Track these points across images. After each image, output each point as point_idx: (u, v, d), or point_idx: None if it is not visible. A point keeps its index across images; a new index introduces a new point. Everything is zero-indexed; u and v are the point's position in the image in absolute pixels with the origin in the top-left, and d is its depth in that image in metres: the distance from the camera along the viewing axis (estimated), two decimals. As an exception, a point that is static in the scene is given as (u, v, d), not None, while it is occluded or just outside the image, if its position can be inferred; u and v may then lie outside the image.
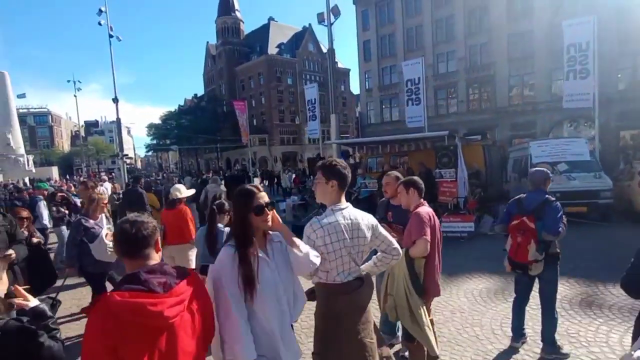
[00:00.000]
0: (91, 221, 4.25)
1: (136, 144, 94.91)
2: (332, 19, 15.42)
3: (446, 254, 3.51)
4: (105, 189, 12.71)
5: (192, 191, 5.11)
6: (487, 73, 29.78)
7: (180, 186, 5.01)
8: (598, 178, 8.95)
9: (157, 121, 58.57)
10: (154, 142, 58.02)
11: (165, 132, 54.39)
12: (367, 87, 37.22)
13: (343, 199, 2.19)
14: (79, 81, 36.08)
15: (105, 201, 4.68)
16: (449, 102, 31.95)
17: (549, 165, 9.84)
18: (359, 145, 11.27)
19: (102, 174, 28.72)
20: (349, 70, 58.91)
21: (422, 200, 3.05)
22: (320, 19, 15.64)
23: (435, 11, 31.80)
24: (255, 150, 48.43)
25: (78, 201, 9.76)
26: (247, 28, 59.72)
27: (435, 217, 2.99)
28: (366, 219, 2.21)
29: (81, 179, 24.32)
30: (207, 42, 62.32)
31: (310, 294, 2.24)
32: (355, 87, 58.61)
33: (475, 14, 30.07)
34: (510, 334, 3.66)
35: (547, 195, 3.10)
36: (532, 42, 27.10)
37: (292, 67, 53.45)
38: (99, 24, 19.88)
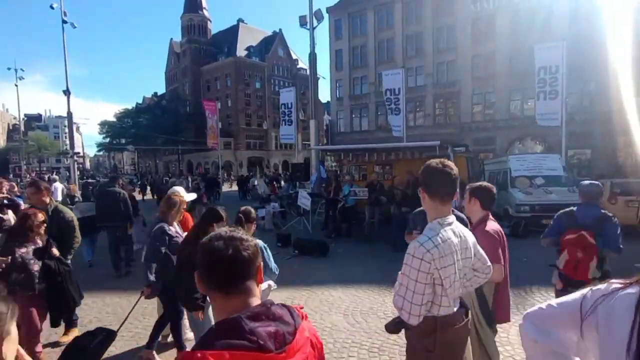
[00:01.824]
0: (173, 229, 3.56)
1: (85, 142, 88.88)
2: (315, 22, 15.27)
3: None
4: (55, 189, 11.41)
5: (194, 195, 4.55)
6: (452, 90, 31.02)
7: (180, 188, 4.42)
8: (572, 192, 9.33)
9: (111, 118, 55.34)
10: (107, 140, 54.62)
11: (120, 131, 51.36)
12: (337, 95, 37.46)
13: (450, 210, 1.87)
14: (21, 69, 32.95)
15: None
16: (417, 115, 32.85)
17: (527, 179, 10.27)
18: (344, 153, 11.08)
19: (52, 173, 26.32)
20: (318, 78, 59.09)
21: (487, 212, 2.80)
22: (303, 22, 15.43)
23: (406, 27, 32.76)
24: (220, 154, 47.02)
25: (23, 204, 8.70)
26: (214, 28, 58.46)
27: (503, 233, 2.74)
28: (470, 235, 1.94)
29: (29, 177, 22.07)
30: (171, 39, 60.10)
31: (397, 325, 1.90)
32: (323, 95, 58.89)
33: (442, 32, 31.27)
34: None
35: (603, 211, 3.02)
36: (494, 64, 28.61)
37: (260, 71, 52.81)
38: (51, 7, 18.32)
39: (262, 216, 11.60)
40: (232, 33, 54.26)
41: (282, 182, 17.33)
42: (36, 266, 3.25)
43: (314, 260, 7.64)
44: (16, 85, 32.94)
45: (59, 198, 10.85)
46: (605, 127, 22.76)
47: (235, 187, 24.79)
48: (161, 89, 66.07)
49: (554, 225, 3.24)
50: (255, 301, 1.03)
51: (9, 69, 32.16)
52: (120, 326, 3.32)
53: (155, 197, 17.57)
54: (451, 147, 8.49)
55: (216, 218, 3.10)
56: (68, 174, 21.64)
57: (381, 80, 34.91)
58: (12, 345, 1.19)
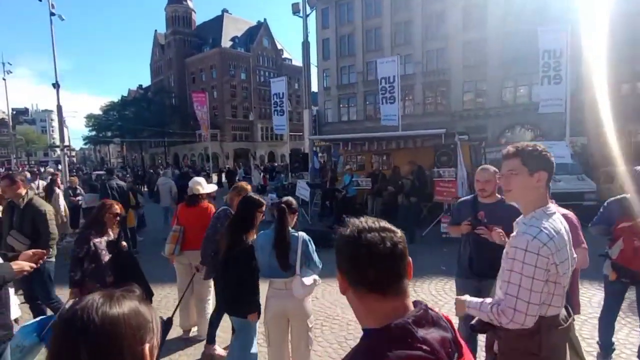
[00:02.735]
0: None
1: (71, 135, 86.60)
2: (308, 10, 14.82)
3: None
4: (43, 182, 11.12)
5: (214, 187, 4.29)
6: (442, 78, 30.89)
7: (201, 179, 4.20)
8: (581, 180, 9.26)
9: (97, 111, 53.87)
10: (93, 133, 53.22)
11: (106, 124, 50.06)
12: (325, 85, 36.96)
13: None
14: (9, 63, 31.56)
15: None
16: (406, 104, 32.68)
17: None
18: (344, 143, 10.79)
19: (42, 167, 25.43)
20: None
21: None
22: (295, 9, 14.98)
23: (394, 15, 32.35)
24: (206, 146, 46.24)
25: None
26: (199, 19, 56.98)
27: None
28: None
29: (22, 171, 21.13)
30: (156, 31, 58.48)
31: (485, 325, 1.66)
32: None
33: (432, 20, 30.99)
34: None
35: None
36: (485, 51, 28.49)
37: (246, 62, 51.84)
38: (38, -1, 17.39)
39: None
40: (216, 23, 52.97)
41: (281, 174, 16.87)
42: (107, 257, 3.13)
43: (320, 252, 7.34)
44: (4, 79, 31.53)
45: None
46: (598, 114, 22.98)
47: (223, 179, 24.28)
48: (146, 81, 64.60)
49: (604, 213, 3.04)
50: (411, 303, 0.90)
51: (-5, 62, 30.73)
52: (173, 314, 3.26)
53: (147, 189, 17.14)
54: (458, 135, 8.27)
55: (258, 205, 2.88)
56: (61, 167, 20.95)
57: (369, 70, 34.89)
58: None
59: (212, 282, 3.91)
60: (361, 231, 0.87)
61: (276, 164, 34.48)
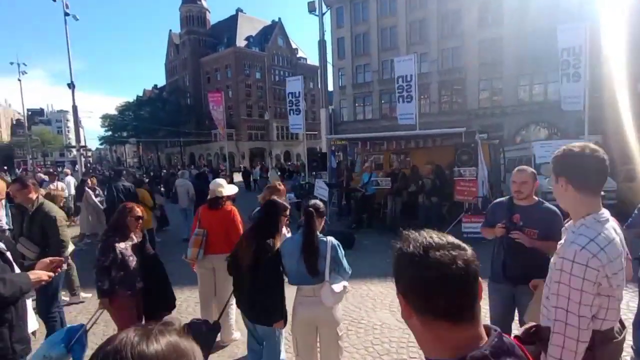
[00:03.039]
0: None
1: (87, 135, 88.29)
2: (324, 8, 14.84)
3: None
4: (68, 183, 11.25)
5: (236, 188, 4.23)
6: (458, 76, 30.54)
7: (222, 181, 4.10)
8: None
9: (112, 112, 54.82)
10: (109, 134, 54.24)
11: (122, 124, 50.93)
12: (340, 84, 36.92)
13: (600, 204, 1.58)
14: (24, 64, 32.25)
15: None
16: (422, 103, 32.40)
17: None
18: (362, 142, 10.78)
19: (59, 167, 26.06)
20: (318, 67, 58.40)
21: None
22: (311, 8, 15.03)
23: (409, 13, 32.13)
24: (222, 145, 46.66)
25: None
26: (213, 18, 57.56)
27: None
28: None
29: (38, 171, 21.65)
30: (170, 31, 59.22)
31: (533, 336, 1.62)
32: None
33: (447, 18, 30.68)
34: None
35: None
36: (501, 49, 28.09)
37: (260, 62, 52.12)
38: (53, -1, 17.87)
39: (278, 208, 11.37)
40: (231, 23, 53.41)
41: (300, 174, 16.91)
42: (134, 263, 3.09)
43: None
44: (19, 80, 32.31)
45: (72, 192, 10.67)
46: (616, 112, 22.41)
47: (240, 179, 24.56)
48: (161, 81, 65.49)
49: (639, 214, 2.98)
50: (483, 329, 0.79)
51: (11, 63, 31.42)
52: (219, 318, 3.18)
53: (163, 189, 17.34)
54: (478, 133, 8.20)
55: (283, 210, 2.84)
56: (78, 167, 21.34)
57: (384, 68, 34.75)
58: None
59: (231, 287, 3.92)
60: (428, 249, 0.75)
61: (290, 163, 34.56)
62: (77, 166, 21.56)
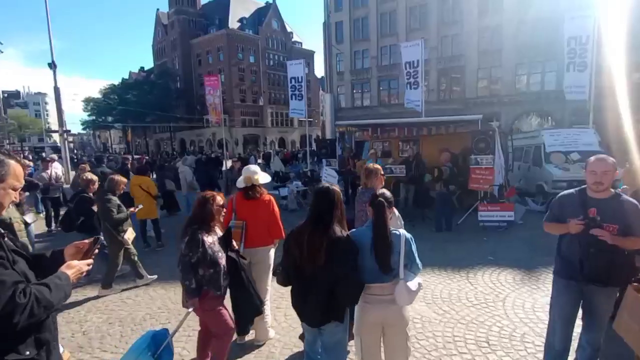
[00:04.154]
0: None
1: (67, 120, 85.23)
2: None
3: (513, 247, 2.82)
4: (56, 170, 10.49)
5: (269, 177, 3.92)
6: (457, 64, 30.32)
7: (256, 167, 3.72)
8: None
9: (95, 95, 52.95)
10: (92, 118, 52.47)
11: (107, 108, 48.97)
12: (338, 70, 36.31)
13: None
14: (0, 42, 30.54)
15: None
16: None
17: (562, 154, 9.90)
18: (372, 128, 10.50)
19: (44, 153, 25.12)
20: (313, 52, 57.48)
21: None
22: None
23: (409, -2, 31.58)
24: (214, 131, 45.89)
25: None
26: (204, -2, 55.72)
27: None
28: None
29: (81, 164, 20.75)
30: (158, 10, 57.24)
31: None
32: (319, 70, 57.45)
33: (448, 5, 30.28)
34: None
35: None
36: (500, 38, 27.92)
37: (254, 45, 50.94)
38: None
39: (285, 195, 11.12)
40: (223, 3, 51.71)
41: (302, 160, 16.63)
42: (223, 260, 2.83)
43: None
44: None
45: (62, 179, 10.11)
46: (610, 102, 22.43)
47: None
48: (148, 64, 63.55)
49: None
50: None
51: (-17, 42, 29.72)
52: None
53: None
54: (496, 120, 8.01)
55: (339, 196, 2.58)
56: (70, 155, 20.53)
57: (383, 54, 34.25)
58: None
59: (270, 282, 3.67)
60: None
61: (282, 149, 33.84)
62: (51, 154, 20.58)
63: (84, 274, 1.64)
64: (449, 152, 8.19)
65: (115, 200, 5.08)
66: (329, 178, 10.23)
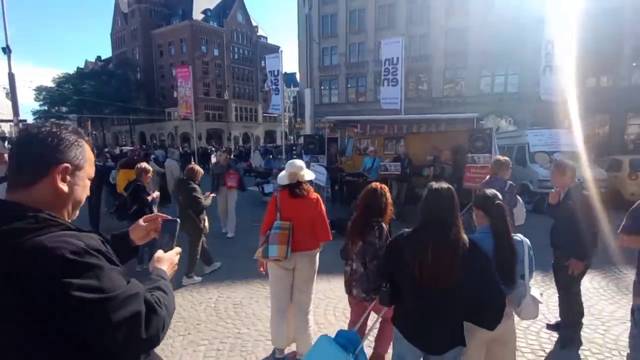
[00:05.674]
0: None
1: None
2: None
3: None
4: None
5: (312, 174, 3.48)
6: (424, 64, 31.00)
7: (301, 162, 3.31)
8: (592, 168, 9.47)
9: (47, 83, 49.27)
10: (44, 108, 48.80)
11: (60, 98, 45.95)
12: (308, 65, 35.89)
13: None
14: None
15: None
16: (388, 89, 32.57)
17: (546, 154, 10.28)
18: (361, 125, 10.36)
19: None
20: (278, 47, 56.61)
21: None
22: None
23: (379, -4, 31.87)
24: (176, 125, 44.05)
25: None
26: (166, -14, 53.18)
27: None
28: None
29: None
30: (116, -3, 53.97)
31: None
32: (288, 66, 56.78)
33: (416, 5, 30.85)
34: None
35: None
36: (466, 39, 28.86)
37: (219, 37, 49.38)
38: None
39: (269, 192, 10.72)
40: (186, -7, 49.75)
41: (278, 156, 16.22)
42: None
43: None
44: None
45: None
46: (581, 104, 23.87)
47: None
48: (106, 53, 59.87)
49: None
50: None
51: None
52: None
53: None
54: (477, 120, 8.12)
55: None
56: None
57: (352, 52, 34.32)
58: None
59: (313, 289, 3.36)
60: None
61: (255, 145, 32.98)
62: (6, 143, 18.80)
63: (177, 267, 1.37)
64: (434, 150, 8.21)
65: (199, 188, 5.22)
66: (317, 175, 9.98)
